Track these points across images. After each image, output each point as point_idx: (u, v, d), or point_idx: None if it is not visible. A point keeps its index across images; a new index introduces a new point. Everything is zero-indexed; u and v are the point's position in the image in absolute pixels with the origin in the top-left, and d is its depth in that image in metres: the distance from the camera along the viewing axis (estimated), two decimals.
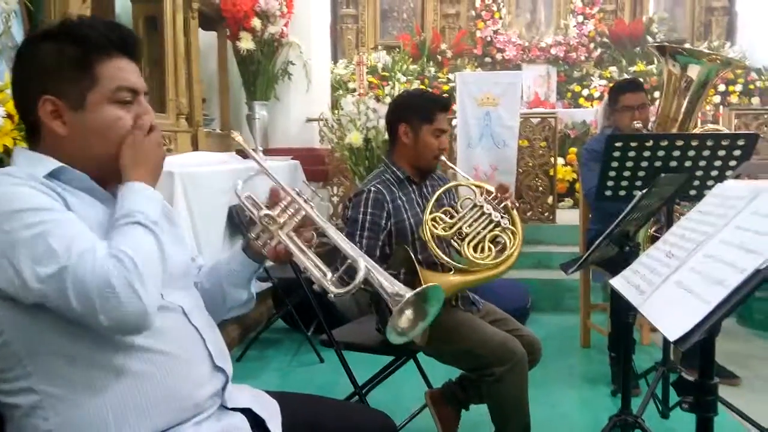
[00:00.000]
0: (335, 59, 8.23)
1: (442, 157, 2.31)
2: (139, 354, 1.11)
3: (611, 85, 3.62)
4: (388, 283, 1.25)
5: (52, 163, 1.14)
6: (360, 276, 1.21)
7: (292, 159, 4.73)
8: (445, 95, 5.54)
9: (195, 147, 4.09)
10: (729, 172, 2.36)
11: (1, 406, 1.12)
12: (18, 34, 2.41)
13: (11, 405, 1.11)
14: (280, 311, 3.72)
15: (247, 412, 1.27)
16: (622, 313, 2.09)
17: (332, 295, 1.24)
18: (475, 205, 2.12)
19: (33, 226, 1.02)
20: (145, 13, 4.08)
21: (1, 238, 1.02)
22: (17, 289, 1.02)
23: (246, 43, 4.74)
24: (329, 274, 1.26)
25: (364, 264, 1.23)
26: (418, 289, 1.25)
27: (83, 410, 1.08)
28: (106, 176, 1.20)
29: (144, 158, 1.18)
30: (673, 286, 1.17)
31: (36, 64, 1.16)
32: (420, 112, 2.27)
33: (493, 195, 2.14)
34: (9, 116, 1.90)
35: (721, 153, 2.34)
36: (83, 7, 2.89)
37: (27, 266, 1.01)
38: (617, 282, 1.40)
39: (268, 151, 5.10)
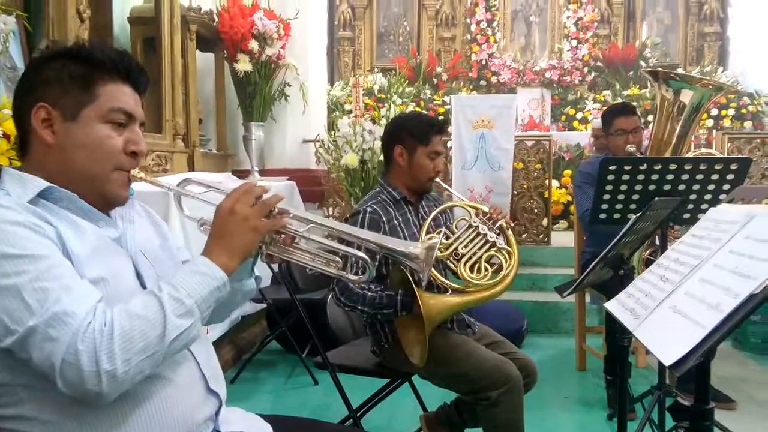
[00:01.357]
0: (332, 81, 8.29)
1: (438, 180, 2.32)
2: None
3: (604, 109, 3.65)
4: (400, 246, 1.27)
5: (40, 184, 1.13)
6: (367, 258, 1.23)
7: (288, 180, 4.75)
8: (440, 117, 5.57)
9: (191, 167, 4.10)
10: (722, 196, 2.37)
11: None
12: (16, 54, 2.43)
13: (3, 430, 1.09)
14: (274, 333, 3.70)
15: None
16: (618, 337, 2.08)
17: (354, 281, 1.28)
18: (470, 226, 2.13)
19: (9, 276, 0.99)
20: (143, 35, 4.11)
21: None
22: None
23: (243, 64, 4.77)
24: (338, 260, 1.25)
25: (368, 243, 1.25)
26: (430, 242, 1.27)
27: None
28: (88, 197, 1.18)
29: (224, 235, 1.15)
30: (668, 310, 1.17)
31: (39, 76, 1.18)
32: (415, 134, 2.28)
33: (488, 215, 2.15)
34: (5, 136, 1.91)
35: (715, 177, 2.35)
36: (81, 28, 2.91)
37: None
38: (612, 305, 1.40)
39: (264, 172, 5.12)
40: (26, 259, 1.01)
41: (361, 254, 1.22)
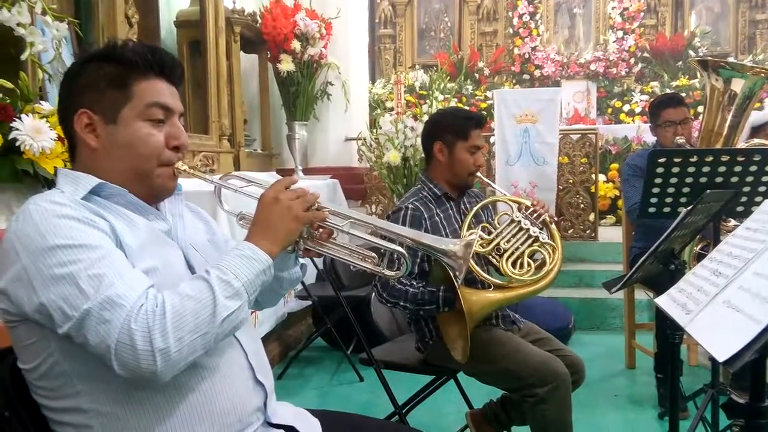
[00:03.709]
0: (373, 79, 8.30)
1: (479, 174, 2.31)
2: (184, 369, 1.10)
3: (651, 101, 3.56)
4: (437, 243, 1.26)
5: (92, 181, 1.17)
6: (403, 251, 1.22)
7: (331, 178, 4.79)
8: (482, 113, 5.54)
9: (237, 167, 4.18)
10: None
11: (51, 423, 1.15)
12: (68, 59, 2.51)
13: (60, 422, 1.13)
14: (319, 329, 3.74)
15: (291, 430, 1.27)
16: (669, 333, 2.04)
17: (390, 276, 1.25)
18: (512, 221, 2.11)
19: (65, 265, 1.03)
20: (189, 38, 4.20)
21: (34, 275, 1.03)
22: (48, 324, 1.05)
23: (286, 65, 4.84)
24: (373, 256, 1.26)
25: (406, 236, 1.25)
26: (467, 239, 1.25)
27: (130, 427, 1.10)
28: (137, 192, 1.21)
29: (268, 222, 1.18)
30: (721, 305, 1.14)
31: (77, 81, 1.21)
32: (454, 129, 2.27)
33: (531, 210, 2.12)
34: (60, 139, 1.97)
35: None
36: (130, 33, 2.99)
37: (55, 307, 1.02)
38: (663, 301, 1.37)
39: (307, 171, 5.17)
40: (81, 249, 1.05)
41: (398, 248, 1.22)
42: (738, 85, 2.74)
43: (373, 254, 1.26)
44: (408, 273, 1.24)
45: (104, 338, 1.01)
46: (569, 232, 5.01)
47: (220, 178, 1.35)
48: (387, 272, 1.25)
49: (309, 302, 3.60)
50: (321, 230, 1.26)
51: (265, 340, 3.40)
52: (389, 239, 1.26)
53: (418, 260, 2.18)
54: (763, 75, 2.79)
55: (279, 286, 1.40)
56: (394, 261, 1.25)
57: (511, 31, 8.72)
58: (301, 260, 1.42)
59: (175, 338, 1.02)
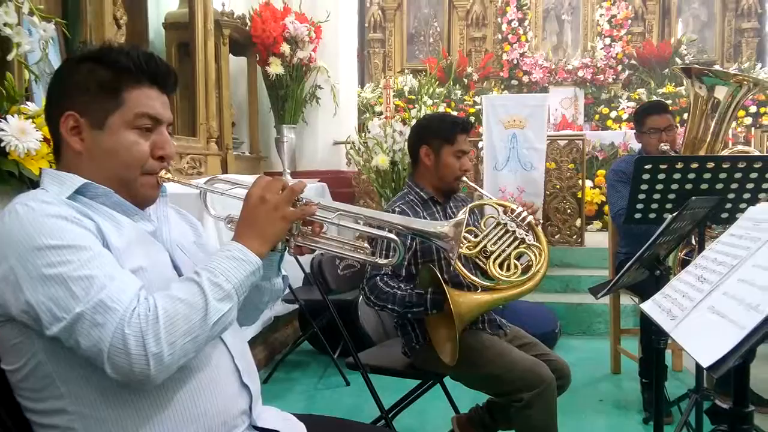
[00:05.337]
0: (362, 83, 8.31)
1: (466, 179, 2.32)
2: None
3: (636, 107, 3.60)
4: (427, 226, 1.27)
5: (78, 180, 1.16)
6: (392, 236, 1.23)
7: (319, 181, 4.78)
8: (470, 118, 5.56)
9: (225, 170, 4.16)
10: (762, 195, 2.32)
11: (34, 426, 1.14)
12: (55, 60, 2.49)
13: (44, 425, 1.12)
14: (306, 333, 3.73)
15: None
16: (654, 338, 2.05)
17: (385, 264, 1.26)
18: (498, 223, 2.12)
19: (54, 266, 1.02)
20: (178, 40, 4.19)
21: (22, 275, 1.02)
22: (35, 326, 1.04)
23: (275, 68, 4.83)
24: (366, 246, 1.26)
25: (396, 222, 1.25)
26: (456, 218, 1.25)
27: (114, 429, 1.09)
28: (121, 195, 1.20)
29: (255, 222, 1.17)
30: (706, 310, 1.15)
31: (67, 82, 1.19)
32: (441, 134, 2.28)
33: (516, 212, 2.13)
34: (46, 140, 1.96)
35: (754, 175, 2.30)
36: (118, 34, 2.98)
37: (44, 308, 1.01)
38: (648, 306, 1.38)
39: (295, 174, 5.16)
40: (70, 249, 1.04)
41: (391, 235, 1.23)
42: (721, 93, 2.78)
43: (366, 245, 1.26)
44: (401, 260, 1.24)
45: (97, 342, 1.00)
46: (556, 237, 5.03)
47: (204, 183, 1.34)
48: (380, 260, 1.26)
49: (295, 306, 3.58)
50: (311, 226, 1.25)
51: (251, 343, 3.37)
52: (380, 228, 1.26)
53: (406, 263, 2.18)
54: (745, 83, 2.82)
55: (259, 300, 1.38)
56: (385, 249, 1.25)
57: (500, 36, 8.76)
58: (284, 271, 1.41)
59: (168, 342, 1.01)
